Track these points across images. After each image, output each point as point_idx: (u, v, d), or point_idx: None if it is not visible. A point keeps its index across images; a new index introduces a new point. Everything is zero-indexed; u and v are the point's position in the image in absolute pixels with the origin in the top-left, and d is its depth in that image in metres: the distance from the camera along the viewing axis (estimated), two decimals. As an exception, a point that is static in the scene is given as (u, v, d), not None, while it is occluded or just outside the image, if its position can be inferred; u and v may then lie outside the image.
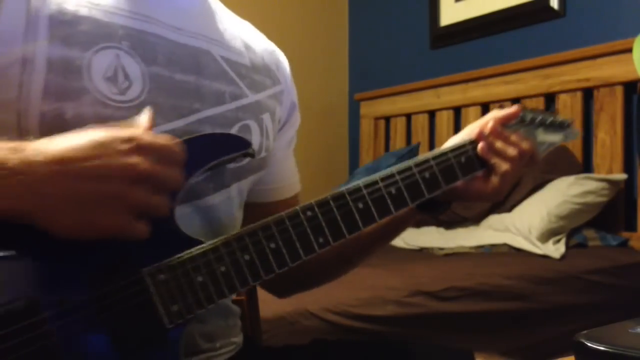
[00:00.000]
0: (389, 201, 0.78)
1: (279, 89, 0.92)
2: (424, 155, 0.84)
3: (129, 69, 0.72)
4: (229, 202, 0.83)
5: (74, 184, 0.60)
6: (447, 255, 2.25)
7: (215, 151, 0.72)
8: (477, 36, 2.98)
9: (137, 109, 0.70)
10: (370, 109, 3.49)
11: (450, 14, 3.10)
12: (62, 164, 0.59)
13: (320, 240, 0.73)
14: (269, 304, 1.30)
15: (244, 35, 0.90)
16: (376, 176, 0.79)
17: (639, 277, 2.01)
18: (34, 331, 0.59)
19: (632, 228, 2.34)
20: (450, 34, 3.11)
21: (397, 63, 3.42)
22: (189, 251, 0.67)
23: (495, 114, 0.92)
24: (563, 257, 2.06)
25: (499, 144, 0.88)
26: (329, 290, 1.61)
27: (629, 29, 2.32)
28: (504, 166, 0.88)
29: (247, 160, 0.83)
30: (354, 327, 1.54)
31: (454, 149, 0.86)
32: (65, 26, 0.69)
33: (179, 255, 0.66)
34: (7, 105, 0.66)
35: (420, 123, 3.19)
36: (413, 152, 2.96)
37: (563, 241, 2.15)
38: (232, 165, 0.81)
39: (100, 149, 0.61)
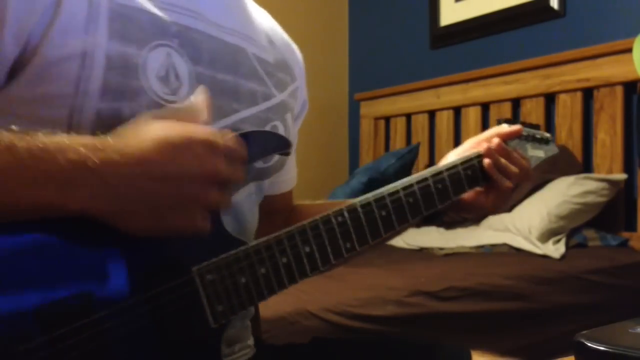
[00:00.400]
0: (407, 210, 0.81)
1: (295, 85, 0.92)
2: (436, 167, 0.88)
3: (179, 69, 0.71)
4: (249, 198, 0.83)
5: (155, 186, 0.60)
6: (447, 255, 2.25)
7: (259, 148, 0.74)
8: (477, 36, 2.98)
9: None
10: (370, 109, 3.49)
11: (450, 14, 3.10)
12: (144, 166, 0.59)
13: (348, 245, 0.75)
14: (269, 304, 1.30)
15: (267, 29, 0.89)
16: (398, 185, 0.81)
17: (639, 277, 2.01)
18: (90, 330, 0.58)
19: (632, 228, 2.34)
20: (450, 34, 3.11)
21: (397, 63, 3.42)
22: (234, 252, 0.67)
23: (498, 129, 0.95)
24: (563, 257, 2.06)
25: (503, 161, 0.91)
26: (329, 290, 1.62)
27: (629, 29, 2.32)
28: (506, 183, 0.91)
29: (276, 159, 0.84)
30: (354, 327, 1.53)
31: (463, 162, 0.89)
32: (124, 20, 0.67)
33: (225, 255, 0.67)
34: (60, 100, 0.64)
35: (420, 123, 3.19)
36: (413, 152, 2.96)
37: (563, 241, 2.15)
38: (259, 165, 0.82)
39: (180, 150, 0.61)
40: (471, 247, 2.29)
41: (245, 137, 0.72)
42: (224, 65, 0.77)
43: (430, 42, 3.22)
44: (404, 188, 0.81)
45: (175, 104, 0.69)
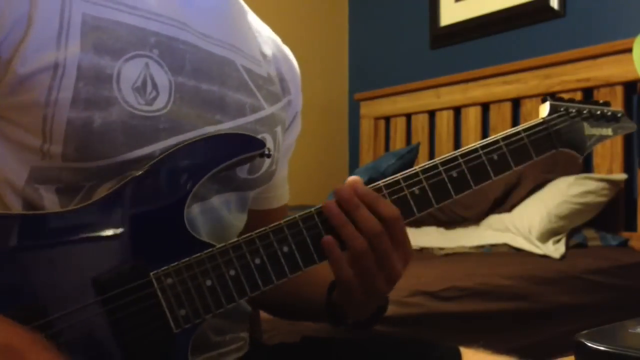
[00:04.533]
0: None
1: (288, 99, 0.91)
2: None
3: (157, 79, 0.71)
4: (228, 205, 0.82)
5: None
6: (447, 255, 2.25)
7: (231, 151, 0.72)
8: (477, 36, 2.98)
9: (163, 119, 0.70)
10: (370, 109, 3.49)
11: (450, 14, 3.10)
12: None
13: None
14: (269, 304, 1.30)
15: (261, 42, 0.89)
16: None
17: (639, 277, 2.01)
18: (43, 332, 0.59)
19: (632, 228, 2.34)
20: (450, 34, 3.11)
21: (397, 63, 3.42)
22: (197, 255, 0.66)
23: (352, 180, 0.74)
24: (563, 257, 2.06)
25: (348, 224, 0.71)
26: (329, 290, 1.62)
27: (629, 29, 2.32)
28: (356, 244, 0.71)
29: (262, 171, 0.82)
30: (354, 327, 1.53)
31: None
32: (97, 32, 0.68)
33: (187, 258, 0.66)
34: (32, 108, 0.65)
35: (420, 123, 3.19)
36: (413, 152, 2.96)
37: (563, 241, 2.15)
38: (243, 175, 0.80)
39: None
40: (471, 247, 2.29)
41: (217, 139, 0.71)
42: (209, 75, 0.77)
43: (430, 42, 3.22)
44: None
45: (150, 114, 0.69)
